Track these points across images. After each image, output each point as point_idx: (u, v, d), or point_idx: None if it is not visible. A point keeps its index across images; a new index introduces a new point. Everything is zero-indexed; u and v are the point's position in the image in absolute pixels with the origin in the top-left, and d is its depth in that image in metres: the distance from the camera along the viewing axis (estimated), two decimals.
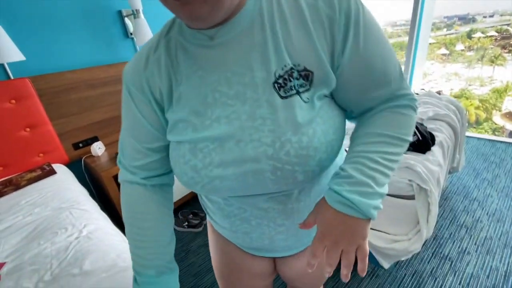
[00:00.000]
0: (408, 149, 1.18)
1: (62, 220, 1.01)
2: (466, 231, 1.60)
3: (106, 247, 0.86)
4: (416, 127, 1.24)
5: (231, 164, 0.41)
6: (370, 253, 1.19)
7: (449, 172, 1.91)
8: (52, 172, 1.44)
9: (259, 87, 0.39)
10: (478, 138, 2.69)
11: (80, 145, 1.79)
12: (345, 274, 0.39)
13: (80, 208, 1.10)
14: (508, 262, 1.37)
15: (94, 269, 0.76)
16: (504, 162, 2.24)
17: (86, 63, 1.75)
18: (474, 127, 3.43)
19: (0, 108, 1.42)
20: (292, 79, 0.39)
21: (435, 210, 1.04)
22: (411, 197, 1.06)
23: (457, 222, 1.68)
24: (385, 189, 0.41)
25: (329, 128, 0.41)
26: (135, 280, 0.51)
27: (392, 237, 1.10)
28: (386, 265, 1.15)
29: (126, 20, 1.85)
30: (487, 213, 1.71)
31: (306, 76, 0.39)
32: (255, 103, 0.39)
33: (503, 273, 1.32)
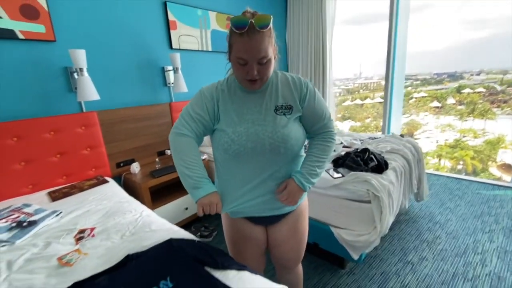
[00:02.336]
0: (368, 170, 1.67)
1: (125, 208, 1.45)
2: (427, 245, 1.98)
3: (162, 220, 1.29)
4: (375, 156, 1.75)
5: (250, 139, 0.85)
6: (343, 249, 1.58)
7: (417, 200, 2.35)
8: (105, 181, 1.90)
9: (268, 110, 0.89)
10: (447, 176, 3.16)
11: (121, 164, 2.27)
12: (285, 202, 0.93)
13: (134, 203, 1.55)
14: (457, 266, 1.74)
15: (159, 229, 1.18)
16: (465, 195, 2.68)
17: (135, 102, 2.34)
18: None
19: (74, 132, 1.94)
20: (282, 109, 0.89)
21: (385, 212, 1.47)
22: (368, 202, 1.51)
23: (421, 238, 2.06)
24: (315, 181, 0.95)
25: (297, 131, 0.91)
26: (195, 189, 0.85)
27: (357, 233, 1.51)
28: (355, 256, 1.53)
29: (166, 73, 2.50)
30: (446, 232, 2.10)
31: (289, 107, 0.90)
32: (265, 115, 0.88)
33: (451, 274, 1.68)
